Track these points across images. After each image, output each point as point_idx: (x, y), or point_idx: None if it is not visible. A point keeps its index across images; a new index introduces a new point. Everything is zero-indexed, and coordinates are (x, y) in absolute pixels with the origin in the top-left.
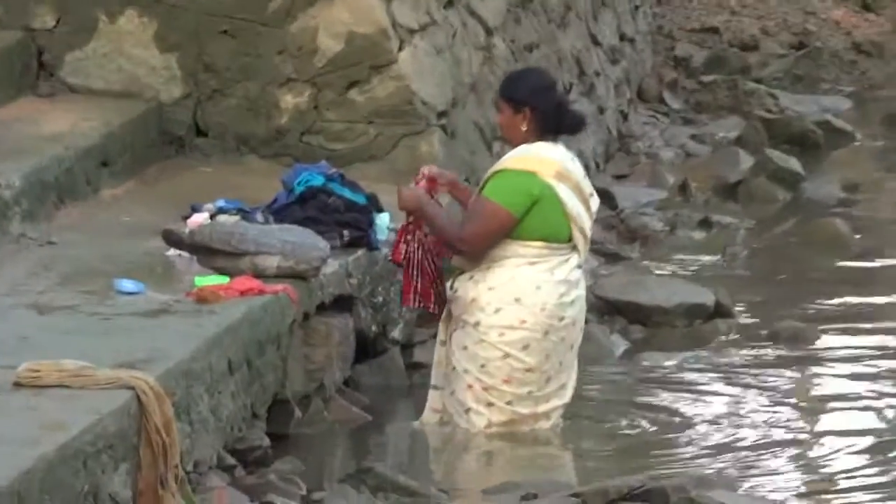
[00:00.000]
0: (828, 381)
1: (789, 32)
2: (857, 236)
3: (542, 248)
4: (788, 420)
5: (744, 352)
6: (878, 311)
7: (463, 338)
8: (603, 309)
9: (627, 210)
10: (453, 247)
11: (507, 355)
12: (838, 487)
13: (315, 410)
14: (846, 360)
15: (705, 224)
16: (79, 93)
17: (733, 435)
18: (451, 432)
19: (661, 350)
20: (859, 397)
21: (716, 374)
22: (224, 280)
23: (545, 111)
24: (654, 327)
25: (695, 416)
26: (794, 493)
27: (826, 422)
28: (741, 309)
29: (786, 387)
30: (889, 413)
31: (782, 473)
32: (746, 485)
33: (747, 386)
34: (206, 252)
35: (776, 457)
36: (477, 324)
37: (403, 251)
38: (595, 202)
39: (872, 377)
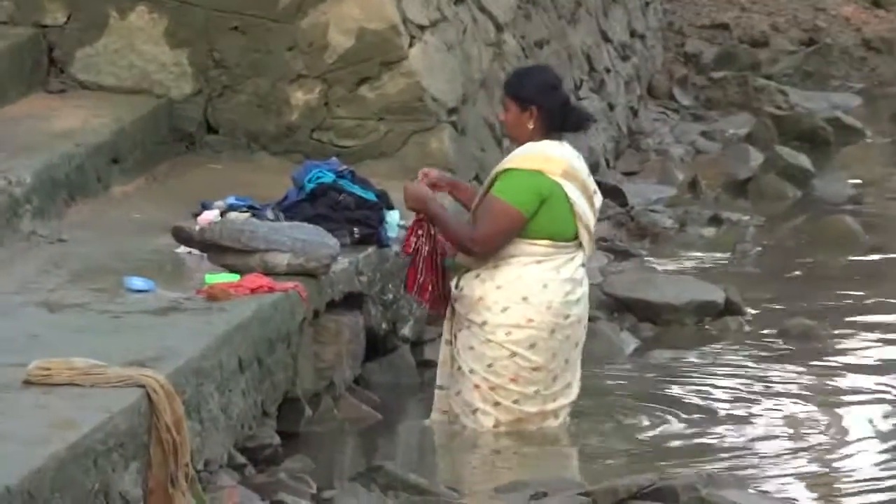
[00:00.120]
0: (838, 378)
1: (799, 29)
2: (867, 233)
3: (549, 247)
4: (799, 418)
5: (753, 349)
6: (888, 308)
7: (469, 338)
8: (612, 306)
9: (637, 207)
10: (464, 247)
11: (514, 354)
12: (849, 485)
13: (325, 409)
14: (857, 356)
15: (715, 221)
16: (89, 89)
17: (743, 433)
18: (460, 431)
19: (671, 348)
20: (870, 394)
21: (725, 372)
22: (234, 278)
23: (551, 109)
24: (663, 325)
25: (704, 414)
26: (805, 491)
27: (837, 419)
28: (751, 306)
29: (796, 384)
30: None
31: (792, 471)
32: (757, 483)
33: (757, 383)
34: (217, 249)
35: (786, 455)
36: (484, 323)
37: (413, 243)
38: (598, 200)
39: (883, 374)
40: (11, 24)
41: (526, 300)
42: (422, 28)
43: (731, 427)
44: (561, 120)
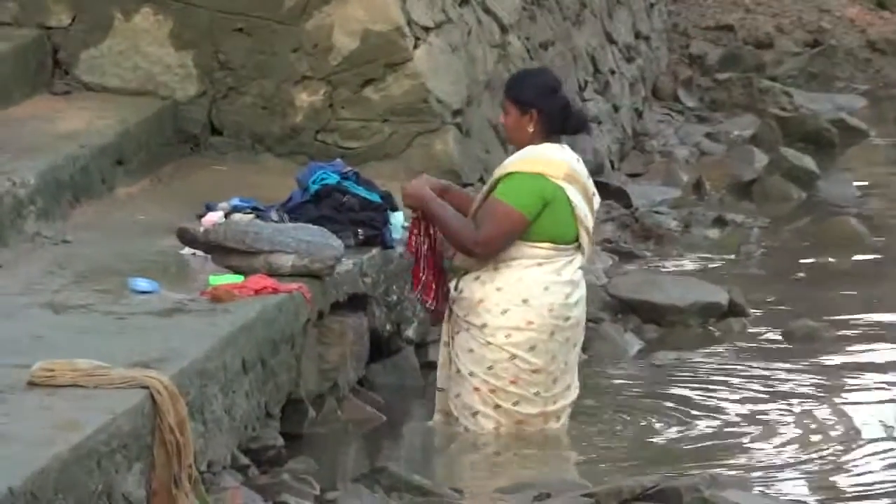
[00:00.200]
0: (842, 380)
1: (804, 30)
2: (872, 234)
3: (549, 250)
4: (803, 419)
5: (758, 351)
6: (893, 309)
7: (468, 340)
8: (617, 308)
9: (642, 208)
10: (466, 248)
11: (513, 356)
12: (854, 486)
13: (329, 410)
14: (861, 358)
15: (720, 223)
16: (94, 91)
17: (747, 434)
18: (463, 432)
19: (675, 349)
20: (875, 395)
21: (729, 374)
22: (238, 279)
23: (551, 113)
24: (668, 326)
25: (708, 416)
26: (809, 492)
27: (841, 420)
28: (755, 308)
29: (800, 386)
30: None
31: (796, 472)
32: (760, 484)
33: (761, 385)
34: (221, 251)
35: (790, 456)
36: (483, 325)
37: (413, 242)
38: (597, 202)
39: (888, 375)
40: (16, 26)
41: (526, 302)
42: (426, 30)
43: (734, 428)
44: (561, 123)
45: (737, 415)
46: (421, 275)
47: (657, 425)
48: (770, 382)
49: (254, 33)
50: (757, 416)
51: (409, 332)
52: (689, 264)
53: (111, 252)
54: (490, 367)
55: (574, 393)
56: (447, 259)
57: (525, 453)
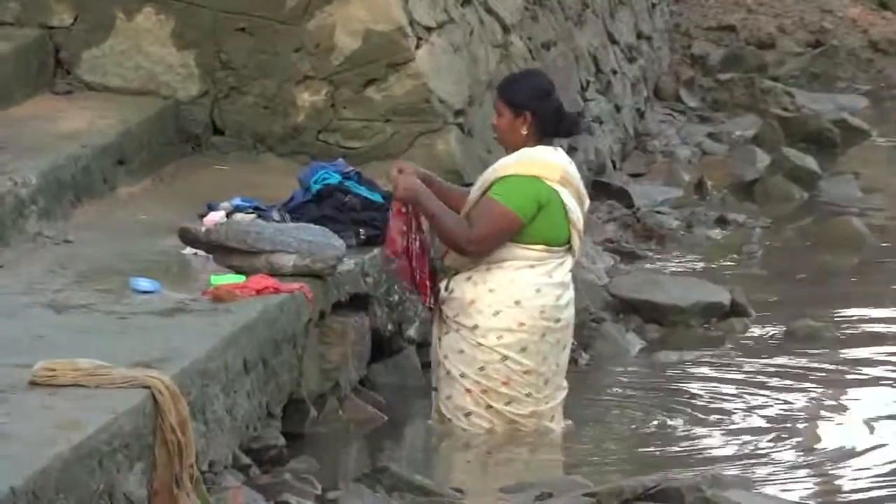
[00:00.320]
0: (844, 380)
1: (806, 30)
2: (874, 235)
3: (542, 252)
4: (804, 419)
5: (759, 351)
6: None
7: (458, 341)
8: (618, 308)
9: (644, 208)
10: (458, 246)
11: (505, 358)
12: (856, 486)
13: (330, 410)
14: (863, 358)
15: (721, 223)
16: (96, 90)
17: (749, 434)
18: (465, 432)
19: (677, 349)
20: (877, 396)
21: (731, 374)
22: (240, 279)
23: (544, 115)
24: (669, 326)
25: (710, 416)
26: (811, 492)
27: (843, 420)
28: (757, 308)
29: (802, 386)
30: None
31: (798, 473)
32: (762, 484)
33: (763, 385)
34: (222, 251)
35: (792, 456)
36: (475, 327)
37: (400, 242)
38: (587, 204)
39: (890, 376)
40: (18, 26)
41: (519, 304)
42: (428, 30)
43: (736, 428)
44: (553, 126)
45: (738, 414)
46: (415, 274)
47: (659, 425)
48: (771, 382)
49: (256, 33)
50: (758, 416)
51: (411, 332)
52: (690, 264)
53: (113, 252)
54: (481, 369)
55: (564, 393)
56: (437, 259)
57: (525, 453)
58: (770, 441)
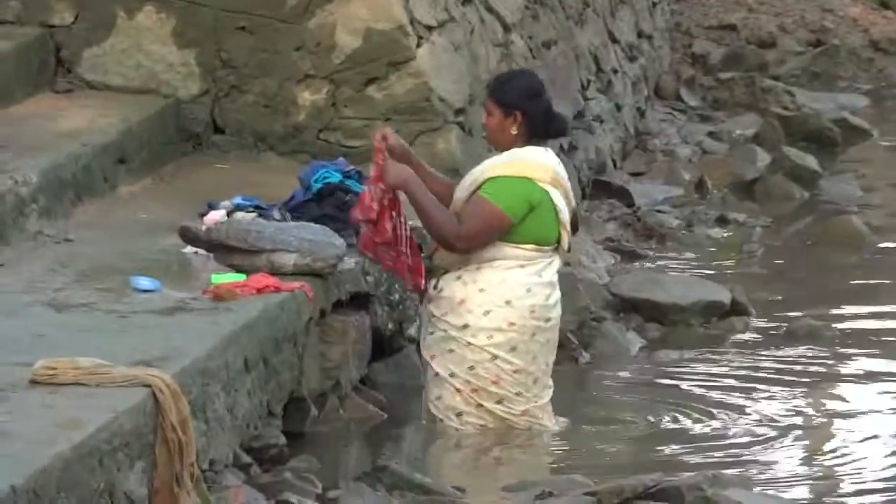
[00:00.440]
0: (845, 380)
1: (807, 30)
2: (874, 234)
3: (532, 251)
4: (804, 418)
5: (760, 350)
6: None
7: (447, 341)
8: (619, 307)
9: (644, 207)
10: (446, 240)
11: (495, 357)
12: (856, 486)
13: (331, 408)
14: (864, 358)
15: (722, 222)
16: (96, 89)
17: (749, 433)
18: (465, 431)
19: (677, 348)
20: (878, 395)
21: (731, 373)
22: (241, 278)
23: (535, 116)
24: (670, 325)
25: (710, 415)
26: (811, 491)
27: (844, 420)
28: (757, 307)
29: (802, 385)
30: None
31: (798, 472)
32: (762, 483)
33: (763, 384)
34: (223, 249)
35: (792, 455)
36: (465, 326)
37: (389, 229)
38: (573, 204)
39: (890, 375)
40: (18, 24)
41: (509, 304)
42: (429, 28)
43: (736, 427)
44: (543, 126)
45: (739, 413)
46: (406, 259)
47: (659, 424)
48: (772, 381)
49: (256, 32)
50: (759, 415)
51: (412, 331)
52: (691, 263)
53: (113, 250)
54: (471, 368)
55: (550, 391)
56: (426, 258)
57: (522, 452)
58: (771, 440)
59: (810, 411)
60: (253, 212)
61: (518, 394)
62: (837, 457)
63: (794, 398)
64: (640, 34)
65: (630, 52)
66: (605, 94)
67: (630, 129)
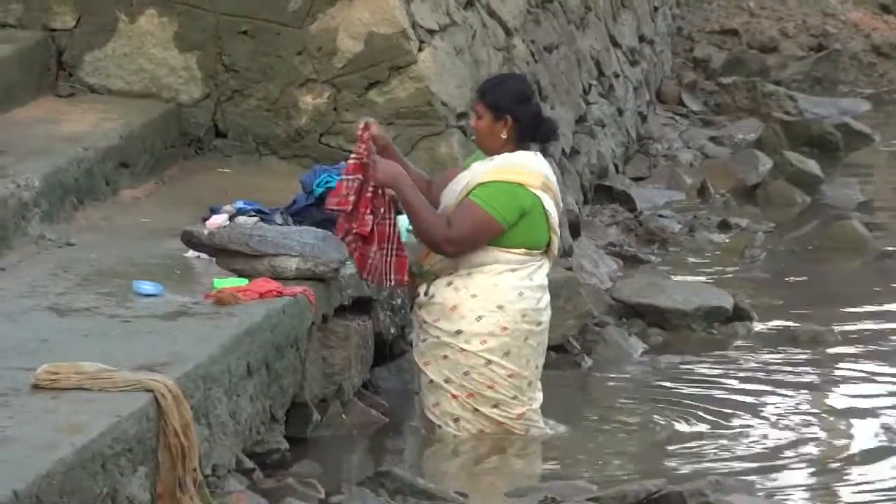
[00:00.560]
0: (848, 384)
1: (808, 34)
2: (877, 238)
3: (523, 255)
4: (807, 423)
5: (762, 355)
6: None
7: (440, 348)
8: (621, 311)
9: (646, 212)
10: (435, 242)
11: (489, 362)
12: (858, 492)
13: (333, 413)
14: (866, 363)
15: (724, 226)
16: (98, 93)
17: (752, 439)
18: (463, 437)
19: (680, 353)
20: (880, 401)
21: (734, 378)
22: (243, 282)
23: (524, 120)
24: (672, 330)
25: (712, 420)
26: (813, 497)
27: (846, 426)
28: (759, 312)
29: (804, 390)
30: None
31: (801, 478)
32: (765, 489)
33: (765, 389)
34: (225, 254)
35: (795, 461)
36: (458, 332)
37: (371, 222)
38: (561, 207)
39: (894, 380)
40: (20, 28)
41: (501, 308)
42: (431, 32)
43: (739, 433)
44: (532, 131)
45: (741, 419)
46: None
47: (662, 429)
48: (774, 386)
49: (258, 36)
50: (761, 421)
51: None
52: (693, 268)
53: (115, 255)
54: (466, 373)
55: (541, 395)
56: (415, 263)
57: (526, 457)
58: (773, 446)
59: (813, 416)
60: (255, 216)
61: (514, 397)
62: (841, 462)
63: (796, 403)
64: (641, 38)
65: (632, 56)
66: (606, 98)
67: (632, 134)
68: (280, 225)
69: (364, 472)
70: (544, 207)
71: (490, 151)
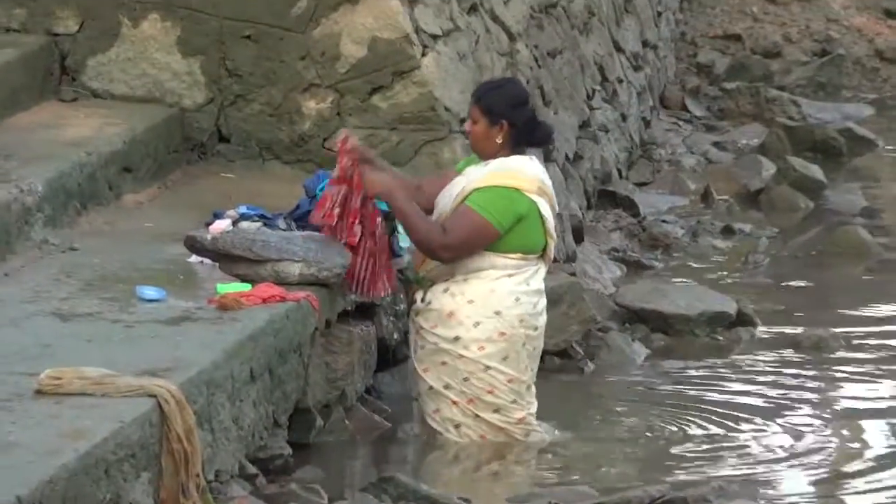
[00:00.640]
0: (851, 390)
1: (812, 39)
2: (880, 244)
3: (519, 260)
4: (811, 429)
5: (766, 360)
6: None
7: (439, 354)
8: (624, 317)
9: (649, 217)
10: (431, 249)
11: (488, 368)
12: (862, 497)
13: (337, 419)
14: (870, 368)
15: (727, 232)
16: (101, 98)
17: (755, 444)
18: (464, 443)
19: (683, 358)
20: (883, 406)
21: (737, 383)
22: (246, 287)
23: (520, 125)
24: (675, 335)
25: (715, 425)
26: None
27: (850, 431)
28: (763, 317)
29: (808, 395)
30: None
31: (804, 483)
32: (768, 494)
33: (769, 395)
34: (228, 259)
35: (797, 466)
36: (456, 338)
37: (360, 233)
38: (556, 211)
39: None
40: (23, 33)
41: (499, 314)
42: (434, 38)
43: (742, 438)
44: (528, 136)
45: (745, 424)
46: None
47: (664, 434)
48: (778, 392)
49: (261, 41)
50: (765, 426)
51: None
52: (696, 273)
53: (118, 260)
54: (465, 379)
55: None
56: (411, 270)
57: (529, 462)
58: (777, 451)
59: (817, 423)
60: (258, 221)
61: (514, 402)
62: (844, 468)
63: (800, 409)
64: (645, 44)
65: (635, 61)
66: (610, 103)
67: (635, 139)
68: (283, 230)
69: (367, 478)
70: (540, 212)
71: (485, 156)
